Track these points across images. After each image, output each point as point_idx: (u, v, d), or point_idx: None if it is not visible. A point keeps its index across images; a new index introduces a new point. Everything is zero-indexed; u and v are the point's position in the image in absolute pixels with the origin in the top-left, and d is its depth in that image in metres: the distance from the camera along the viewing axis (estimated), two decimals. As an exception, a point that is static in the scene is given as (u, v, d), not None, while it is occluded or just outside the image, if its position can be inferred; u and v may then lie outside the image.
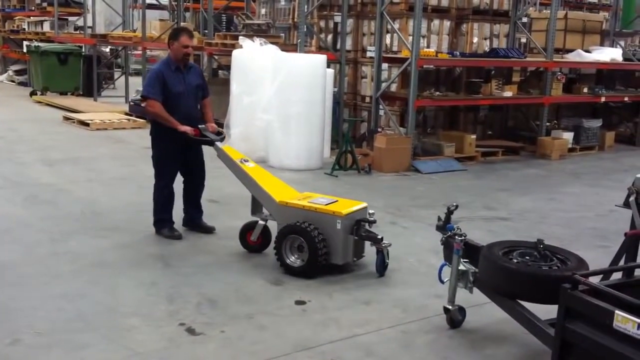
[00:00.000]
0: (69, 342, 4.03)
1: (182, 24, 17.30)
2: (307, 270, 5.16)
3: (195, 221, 6.30)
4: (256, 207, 5.75)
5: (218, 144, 5.92)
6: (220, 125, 10.90)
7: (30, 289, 4.84)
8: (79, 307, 4.54)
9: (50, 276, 5.08)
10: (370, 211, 5.36)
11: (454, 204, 4.75)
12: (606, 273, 4.11)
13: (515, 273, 3.89)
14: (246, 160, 5.85)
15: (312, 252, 5.10)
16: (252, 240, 5.74)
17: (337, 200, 5.46)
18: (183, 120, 5.83)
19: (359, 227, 5.23)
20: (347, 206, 5.33)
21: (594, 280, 3.56)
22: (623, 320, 3.08)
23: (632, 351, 3.05)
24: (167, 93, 5.84)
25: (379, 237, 5.26)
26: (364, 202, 5.51)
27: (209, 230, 6.29)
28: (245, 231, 5.80)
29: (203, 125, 6.00)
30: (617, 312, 3.12)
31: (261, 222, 5.68)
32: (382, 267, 5.28)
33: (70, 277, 5.09)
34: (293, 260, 5.25)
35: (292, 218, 5.29)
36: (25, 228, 6.27)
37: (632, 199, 4.15)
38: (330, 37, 11.89)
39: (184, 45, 5.87)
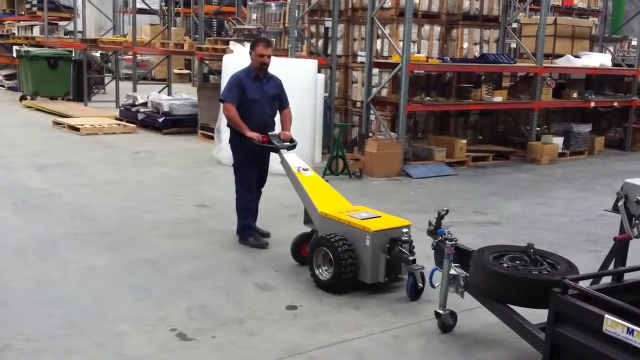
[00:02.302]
0: (59, 348, 4.01)
1: (172, 29, 17.35)
2: (332, 284, 4.97)
3: None
4: (309, 216, 5.53)
5: (283, 151, 5.84)
6: (211, 130, 10.91)
7: (19, 294, 4.81)
8: (68, 312, 4.52)
9: (39, 282, 5.05)
10: (404, 230, 4.98)
11: (445, 208, 4.77)
12: (596, 277, 4.13)
13: (505, 277, 3.90)
14: (305, 169, 5.70)
15: (336, 266, 4.90)
16: (309, 252, 5.36)
17: (380, 216, 5.17)
18: (255, 128, 5.84)
19: (392, 246, 4.93)
20: (383, 223, 5.04)
21: (584, 284, 3.57)
22: (613, 325, 3.10)
23: (621, 355, 3.07)
24: (243, 98, 5.90)
25: (411, 258, 4.89)
26: (407, 220, 5.20)
27: (265, 235, 6.23)
28: (300, 243, 5.58)
29: (274, 132, 5.99)
30: (606, 316, 3.13)
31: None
32: (412, 290, 4.92)
33: (59, 282, 5.07)
34: (320, 272, 5.07)
35: (329, 230, 5.12)
36: (14, 233, 6.22)
37: (620, 203, 4.16)
38: (321, 42, 11.91)
39: (259, 54, 5.91)
